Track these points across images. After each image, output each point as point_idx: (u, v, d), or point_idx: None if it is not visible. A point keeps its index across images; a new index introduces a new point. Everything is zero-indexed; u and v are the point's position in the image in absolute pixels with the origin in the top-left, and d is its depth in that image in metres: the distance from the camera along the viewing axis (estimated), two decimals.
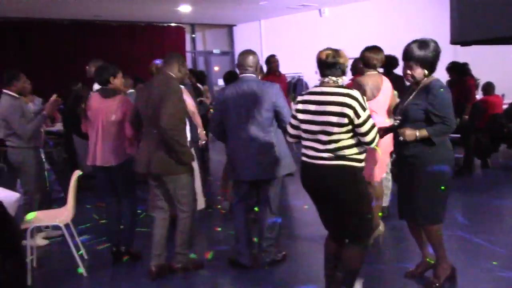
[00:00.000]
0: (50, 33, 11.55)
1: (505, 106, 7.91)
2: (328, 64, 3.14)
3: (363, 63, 4.52)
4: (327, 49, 3.19)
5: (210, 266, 4.39)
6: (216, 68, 14.91)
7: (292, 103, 9.90)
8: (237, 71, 4.29)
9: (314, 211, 3.49)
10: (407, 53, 3.48)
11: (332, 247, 3.39)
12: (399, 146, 3.60)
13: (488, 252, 4.34)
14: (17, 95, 5.00)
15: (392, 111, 3.95)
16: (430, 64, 3.46)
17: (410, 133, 3.45)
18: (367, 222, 3.27)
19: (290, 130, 3.43)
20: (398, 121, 3.58)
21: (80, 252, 4.58)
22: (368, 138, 3.10)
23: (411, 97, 3.55)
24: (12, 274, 3.31)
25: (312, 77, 12.38)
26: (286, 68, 9.43)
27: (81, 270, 4.32)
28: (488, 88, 7.65)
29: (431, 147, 3.44)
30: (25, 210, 4.79)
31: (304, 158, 3.28)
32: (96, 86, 5.96)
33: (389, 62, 5.62)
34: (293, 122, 3.37)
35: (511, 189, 6.77)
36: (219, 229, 5.35)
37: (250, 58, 4.10)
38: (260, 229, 4.26)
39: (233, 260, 4.32)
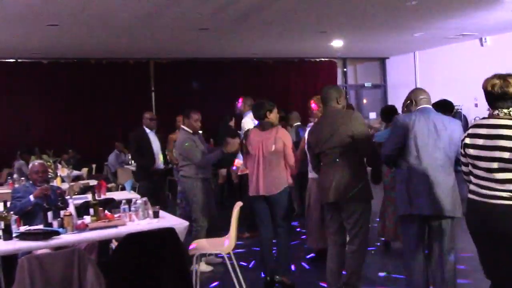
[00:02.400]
0: (212, 70, 12.51)
1: None
2: (496, 95, 2.86)
3: None
4: (494, 77, 2.90)
5: None
6: (364, 101, 14.85)
7: None
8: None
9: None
10: None
11: None
12: None
13: None
14: (190, 130, 5.56)
15: None
16: None
17: None
18: None
19: (463, 168, 3.15)
20: None
21: (239, 279, 4.79)
22: None
23: None
24: None
25: (472, 110, 11.71)
26: None
27: None
28: None
29: None
30: (194, 237, 5.16)
31: (474, 197, 2.98)
32: (247, 120, 6.38)
33: None
34: (462, 159, 3.12)
35: None
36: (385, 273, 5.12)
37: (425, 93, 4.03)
38: (440, 275, 3.89)
39: None
